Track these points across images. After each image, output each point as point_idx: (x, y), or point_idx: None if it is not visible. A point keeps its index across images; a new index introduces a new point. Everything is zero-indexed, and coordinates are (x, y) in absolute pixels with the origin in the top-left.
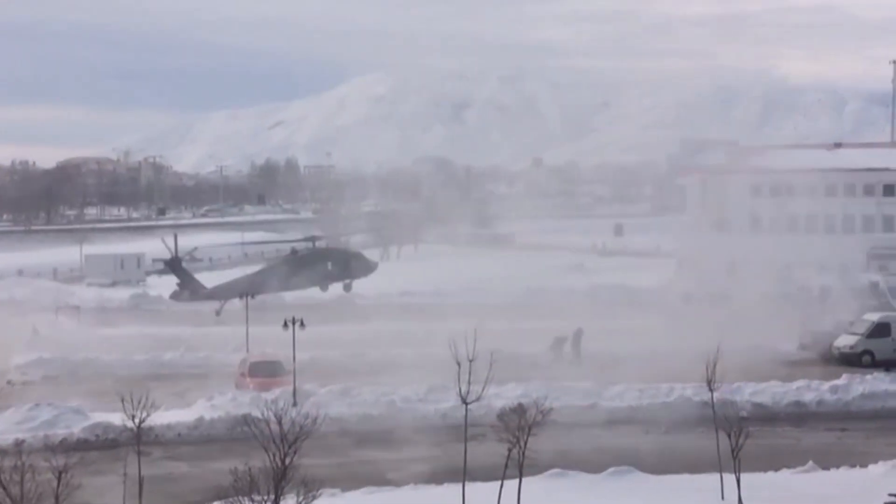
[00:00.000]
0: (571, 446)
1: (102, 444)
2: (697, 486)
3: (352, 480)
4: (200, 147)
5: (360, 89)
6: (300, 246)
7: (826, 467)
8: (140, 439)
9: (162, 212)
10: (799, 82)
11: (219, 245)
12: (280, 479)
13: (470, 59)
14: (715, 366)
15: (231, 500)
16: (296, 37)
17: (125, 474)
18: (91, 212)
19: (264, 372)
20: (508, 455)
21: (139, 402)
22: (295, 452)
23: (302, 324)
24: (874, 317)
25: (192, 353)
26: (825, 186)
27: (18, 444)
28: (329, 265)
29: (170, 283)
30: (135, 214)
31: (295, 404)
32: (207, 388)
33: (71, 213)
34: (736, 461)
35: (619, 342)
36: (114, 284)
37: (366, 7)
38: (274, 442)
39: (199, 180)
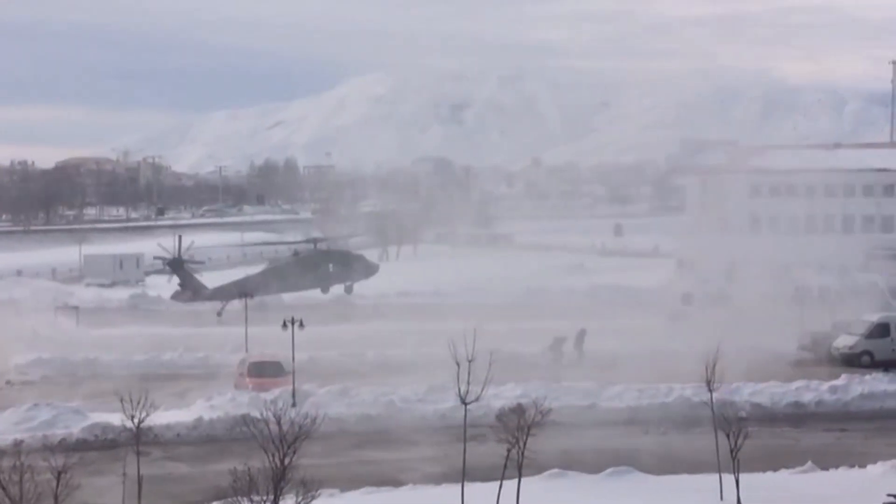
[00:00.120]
0: (570, 446)
1: (101, 445)
2: (696, 487)
3: (351, 481)
4: (200, 147)
5: (360, 89)
6: (302, 248)
7: (825, 467)
8: (139, 439)
9: (161, 212)
10: (799, 82)
11: (218, 245)
12: (279, 479)
13: (470, 59)
14: (714, 366)
15: (230, 500)
16: (296, 37)
17: (124, 474)
18: (90, 212)
19: (263, 372)
20: (507, 455)
21: (138, 403)
22: (294, 453)
23: (301, 324)
24: (873, 317)
25: (191, 353)
26: (825, 186)
27: (17, 444)
28: (331, 267)
29: (169, 282)
30: (134, 214)
31: (294, 404)
32: (207, 389)
33: (70, 213)
34: (735, 461)
35: (619, 342)
36: (113, 285)
37: (366, 7)
38: (273, 442)
39: (198, 180)
